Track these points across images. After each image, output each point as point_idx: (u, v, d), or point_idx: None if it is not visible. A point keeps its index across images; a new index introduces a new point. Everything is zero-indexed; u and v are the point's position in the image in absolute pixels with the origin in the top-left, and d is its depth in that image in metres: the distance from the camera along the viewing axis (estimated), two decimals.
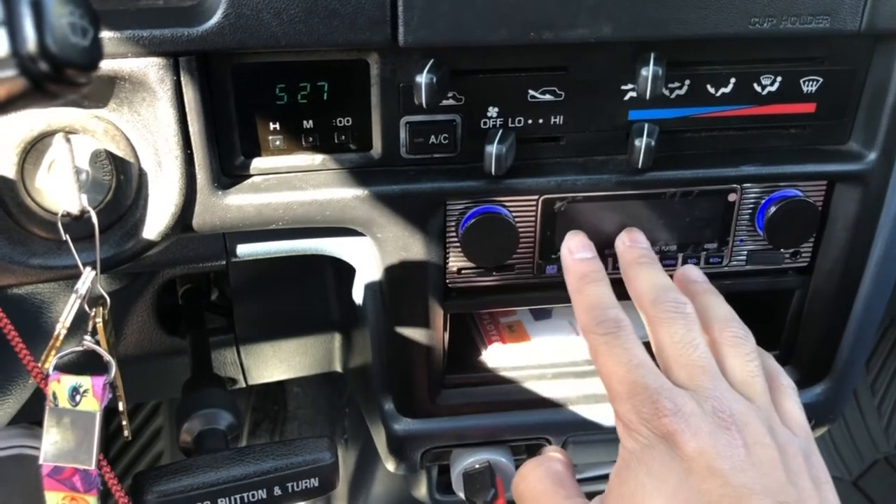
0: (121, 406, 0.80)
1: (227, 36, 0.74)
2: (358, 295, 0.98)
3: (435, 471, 1.19)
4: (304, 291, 1.23)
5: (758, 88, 0.88)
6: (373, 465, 1.47)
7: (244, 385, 1.38)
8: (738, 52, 0.86)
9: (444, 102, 0.84)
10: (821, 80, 0.88)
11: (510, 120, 0.86)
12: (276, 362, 1.33)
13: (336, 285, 1.18)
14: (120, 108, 0.78)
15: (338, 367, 1.36)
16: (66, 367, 0.78)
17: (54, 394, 0.73)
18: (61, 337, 0.75)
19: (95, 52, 0.36)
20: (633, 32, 0.79)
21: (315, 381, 2.03)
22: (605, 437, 1.05)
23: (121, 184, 0.79)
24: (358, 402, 1.29)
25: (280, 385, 2.05)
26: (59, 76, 0.34)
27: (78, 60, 0.34)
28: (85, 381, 0.74)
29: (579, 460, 1.11)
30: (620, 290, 0.96)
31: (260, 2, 0.73)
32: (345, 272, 1.00)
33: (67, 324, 0.75)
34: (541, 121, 0.87)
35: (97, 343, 0.77)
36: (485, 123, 0.86)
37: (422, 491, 1.22)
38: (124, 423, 0.82)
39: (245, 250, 0.91)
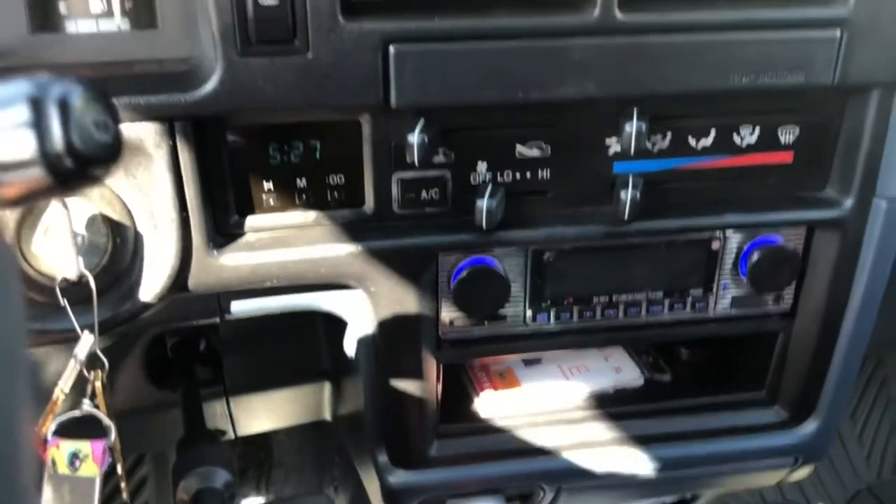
0: (119, 469, 0.80)
1: (223, 101, 0.76)
2: (350, 347, 0.99)
3: None
4: (294, 342, 1.23)
5: (737, 140, 0.91)
6: None
7: (233, 437, 1.37)
8: (718, 105, 0.89)
9: (435, 159, 0.86)
10: (798, 130, 0.91)
11: (499, 174, 0.88)
12: (265, 413, 1.33)
13: (326, 335, 1.19)
14: (116, 172, 0.79)
15: (327, 416, 1.36)
16: (62, 431, 0.78)
17: (53, 460, 0.73)
18: (60, 402, 0.75)
19: (117, 146, 0.37)
20: (617, 90, 0.82)
21: (301, 427, 2.02)
22: (598, 484, 1.05)
23: (117, 247, 0.80)
24: (348, 451, 1.29)
25: (266, 433, 2.04)
26: (83, 172, 0.35)
27: (102, 156, 0.35)
28: (84, 447, 0.74)
29: None
30: (609, 336, 0.99)
31: (255, 67, 0.75)
32: (335, 322, 1.01)
33: (67, 389, 0.75)
34: (528, 175, 0.89)
35: (96, 407, 0.77)
36: (474, 178, 0.88)
37: None
38: (123, 484, 0.81)
39: (239, 307, 0.92)
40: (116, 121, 0.38)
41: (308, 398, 1.32)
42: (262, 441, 2.06)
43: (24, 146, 0.33)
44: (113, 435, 0.76)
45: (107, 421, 0.76)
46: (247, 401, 1.30)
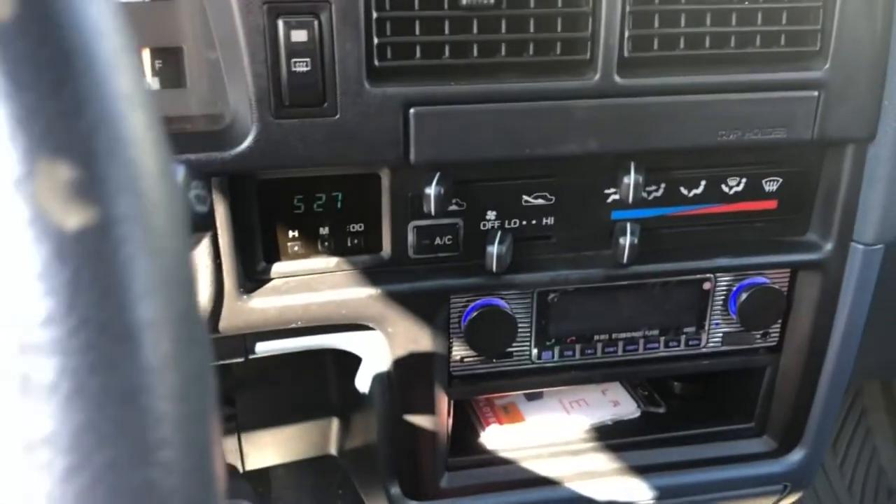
0: None
1: (257, 159, 0.82)
2: (362, 383, 1.04)
3: None
4: (305, 379, 1.29)
5: (725, 189, 0.98)
6: None
7: (241, 471, 1.42)
8: (708, 158, 0.97)
9: (448, 208, 0.92)
10: (780, 180, 0.99)
11: (507, 222, 0.95)
12: (273, 447, 1.38)
13: (336, 372, 1.24)
14: None
15: (333, 451, 1.41)
16: None
17: None
18: None
19: (211, 218, 0.43)
20: (616, 147, 0.89)
21: (300, 462, 2.06)
22: None
23: None
24: (353, 485, 1.34)
25: (265, 467, 2.07)
26: None
27: (201, 225, 0.41)
28: None
29: None
30: (609, 372, 1.05)
31: (288, 129, 0.81)
32: (346, 359, 1.07)
33: None
34: (534, 221, 0.96)
35: None
36: (484, 225, 0.95)
37: None
38: None
39: (263, 347, 0.97)
40: (211, 195, 0.44)
41: (316, 433, 1.37)
42: (261, 476, 2.10)
43: None
44: None
45: None
46: (257, 437, 1.34)
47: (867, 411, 2.51)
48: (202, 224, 0.42)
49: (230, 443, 1.32)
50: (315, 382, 1.30)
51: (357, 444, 1.23)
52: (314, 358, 1.23)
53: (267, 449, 1.38)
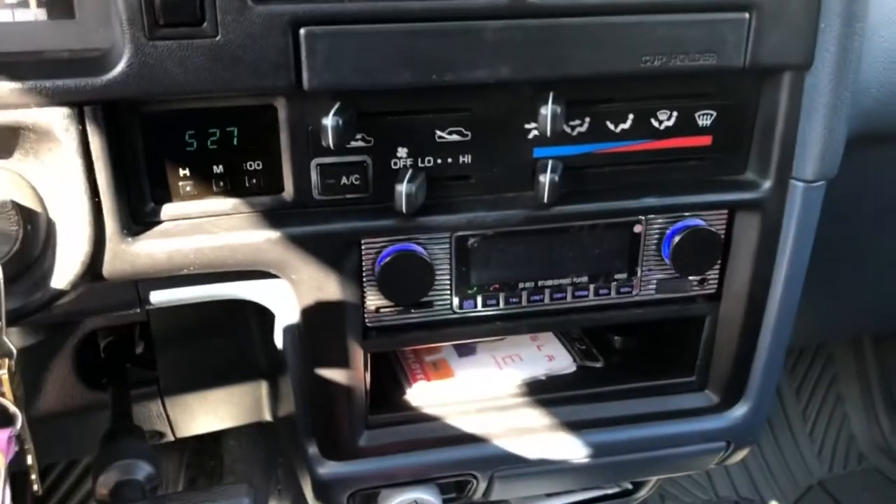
0: (29, 459, 0.78)
1: (132, 85, 0.75)
2: (278, 338, 0.98)
3: None
4: (229, 340, 1.23)
5: (655, 124, 0.92)
6: None
7: (172, 438, 1.35)
8: (635, 89, 0.90)
9: (354, 144, 0.86)
10: (714, 114, 0.93)
11: (420, 160, 0.88)
12: (203, 413, 1.32)
13: (259, 331, 1.18)
14: (25, 158, 0.78)
15: (267, 416, 1.35)
16: None
17: None
18: None
19: None
20: (530, 73, 0.82)
21: (252, 434, 2.00)
22: (531, 471, 1.06)
23: (28, 234, 0.79)
24: (288, 451, 1.28)
25: (216, 440, 2.01)
26: None
27: None
28: None
29: (508, 495, 1.12)
30: (537, 322, 0.99)
31: (163, 50, 0.75)
32: (268, 318, 1.00)
33: None
34: (450, 160, 0.89)
35: (2, 395, 0.75)
36: (395, 164, 0.88)
37: None
38: (33, 476, 0.80)
39: (158, 297, 0.91)
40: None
41: (245, 398, 1.31)
42: (212, 449, 2.04)
43: None
44: (19, 423, 0.74)
45: (12, 408, 0.74)
46: (183, 401, 1.28)
47: (838, 378, 2.47)
48: None
49: (155, 408, 1.26)
50: (241, 345, 1.24)
51: (284, 406, 1.17)
52: (237, 316, 1.17)
53: (198, 415, 1.32)
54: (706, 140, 0.94)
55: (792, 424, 2.40)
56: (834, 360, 2.47)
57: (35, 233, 0.79)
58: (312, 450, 1.01)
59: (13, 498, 0.73)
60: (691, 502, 2.26)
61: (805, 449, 2.39)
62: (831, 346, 2.44)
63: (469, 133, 0.88)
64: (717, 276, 1.02)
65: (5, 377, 0.74)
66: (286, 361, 0.97)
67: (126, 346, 1.23)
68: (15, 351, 0.76)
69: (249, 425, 1.43)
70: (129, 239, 0.82)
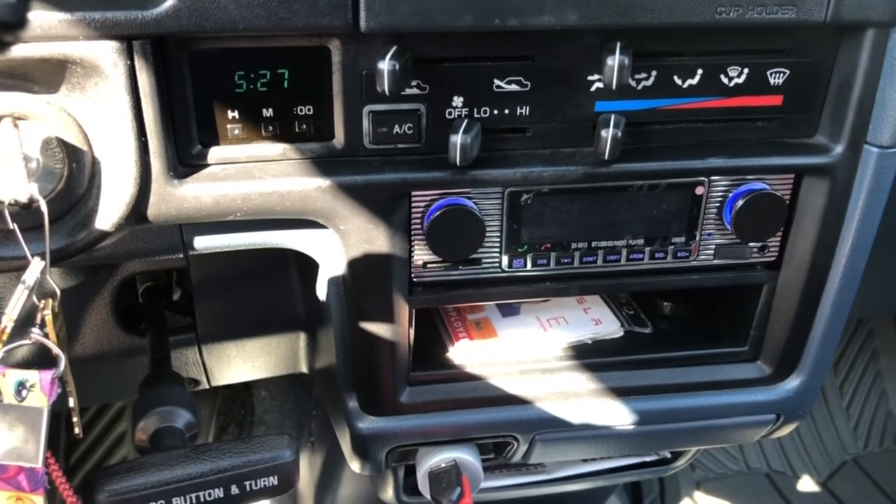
0: (71, 402, 0.77)
1: (183, 19, 0.72)
2: (321, 290, 0.96)
3: (402, 472, 1.17)
4: (269, 289, 1.20)
5: (725, 80, 0.87)
6: (339, 468, 1.45)
7: (207, 386, 1.35)
8: (705, 42, 0.85)
9: (409, 91, 0.82)
10: (787, 72, 0.88)
11: (476, 110, 0.85)
12: (239, 362, 1.30)
13: (301, 283, 1.16)
14: (72, 93, 0.75)
15: (303, 368, 1.33)
16: (17, 364, 0.75)
17: None
18: (7, 330, 0.72)
19: (22, 9, 0.34)
20: (600, 20, 0.78)
21: (283, 384, 2.00)
22: (573, 435, 1.03)
23: (73, 172, 0.77)
24: (324, 404, 1.26)
25: (247, 389, 2.02)
26: None
27: (3, 17, 0.32)
28: (32, 376, 0.71)
29: (548, 458, 1.10)
30: (587, 284, 0.96)
31: None
32: (310, 269, 0.98)
33: (14, 316, 0.72)
34: (507, 111, 0.85)
35: (45, 336, 0.74)
36: (450, 113, 0.84)
37: (388, 493, 1.20)
38: (75, 419, 0.79)
39: (203, 243, 0.88)
40: None
41: (284, 349, 1.29)
42: (244, 398, 2.05)
43: None
44: (62, 365, 0.73)
45: (56, 350, 0.73)
46: (220, 350, 1.27)
47: (878, 353, 2.42)
48: (7, 15, 0.32)
49: (192, 355, 1.25)
50: (281, 295, 1.21)
51: (324, 361, 1.16)
52: (278, 265, 1.15)
53: (234, 364, 1.31)
54: (776, 100, 0.89)
55: (828, 398, 2.36)
56: (874, 335, 2.41)
57: (80, 171, 0.77)
58: (352, 404, 0.99)
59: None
60: (722, 472, 2.24)
61: (840, 424, 2.35)
62: (873, 321, 2.38)
63: (529, 83, 0.84)
64: (778, 244, 0.97)
65: (49, 318, 0.73)
66: (329, 313, 0.95)
67: (165, 292, 1.22)
68: (59, 292, 0.75)
69: (280, 375, 1.42)
70: (176, 181, 0.80)
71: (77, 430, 0.79)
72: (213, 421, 2.00)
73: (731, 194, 0.92)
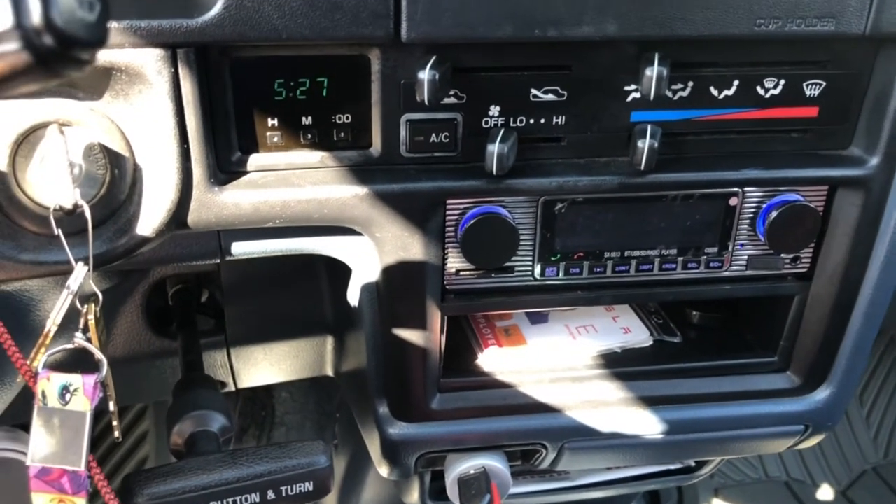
0: (111, 406, 0.78)
1: (227, 28, 0.73)
2: (353, 296, 0.96)
3: (428, 477, 1.17)
4: (297, 293, 1.21)
5: (761, 91, 0.87)
6: (363, 472, 1.45)
7: (234, 388, 1.36)
8: (742, 54, 0.85)
9: (446, 101, 0.83)
10: (824, 84, 0.88)
11: (512, 119, 0.85)
12: (266, 365, 1.31)
13: (330, 287, 1.17)
14: (115, 100, 0.76)
15: (329, 371, 1.34)
16: (56, 366, 0.76)
17: (43, 392, 0.71)
18: (51, 334, 0.73)
19: (102, 28, 0.34)
20: (639, 31, 0.78)
21: (304, 386, 2.01)
22: (602, 444, 1.03)
23: (115, 178, 0.78)
24: (349, 407, 1.27)
25: (268, 390, 2.03)
26: (65, 52, 0.32)
27: (84, 36, 0.32)
28: (75, 380, 0.72)
29: (575, 467, 1.10)
30: (620, 294, 0.96)
31: None
32: (339, 273, 0.99)
33: (58, 321, 0.73)
34: (542, 121, 0.86)
35: (88, 340, 0.74)
36: (486, 122, 0.85)
37: (413, 497, 1.20)
38: (115, 423, 0.80)
39: (240, 249, 0.89)
40: (104, 1, 0.35)
41: (310, 352, 1.30)
42: (264, 399, 2.05)
43: None
44: (105, 369, 0.74)
45: (98, 355, 0.74)
46: (248, 353, 1.27)
47: None
48: (89, 35, 0.33)
49: (219, 357, 1.26)
50: (309, 299, 1.22)
51: (351, 364, 1.16)
52: (308, 270, 1.15)
53: (261, 367, 1.32)
54: (812, 111, 0.89)
55: (847, 407, 2.35)
56: (895, 344, 2.40)
57: (122, 177, 0.78)
58: (383, 409, 1.00)
59: None
60: (740, 479, 2.23)
61: (860, 433, 2.34)
62: (893, 330, 2.37)
63: (565, 93, 0.85)
64: (810, 255, 0.97)
65: (92, 322, 0.74)
66: (361, 319, 0.96)
67: (194, 295, 1.23)
68: (101, 296, 0.75)
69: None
70: (216, 188, 0.80)
71: (116, 433, 0.80)
72: (231, 409, 2.00)
73: (764, 205, 0.92)
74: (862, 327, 1.01)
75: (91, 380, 0.72)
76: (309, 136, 0.83)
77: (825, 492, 2.25)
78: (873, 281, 0.97)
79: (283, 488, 0.80)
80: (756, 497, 2.20)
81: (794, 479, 2.26)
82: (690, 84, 0.86)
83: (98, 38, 0.34)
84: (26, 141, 0.75)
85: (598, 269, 0.94)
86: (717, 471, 2.22)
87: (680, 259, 0.94)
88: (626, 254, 0.93)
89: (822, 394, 1.06)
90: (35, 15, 0.31)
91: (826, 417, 1.07)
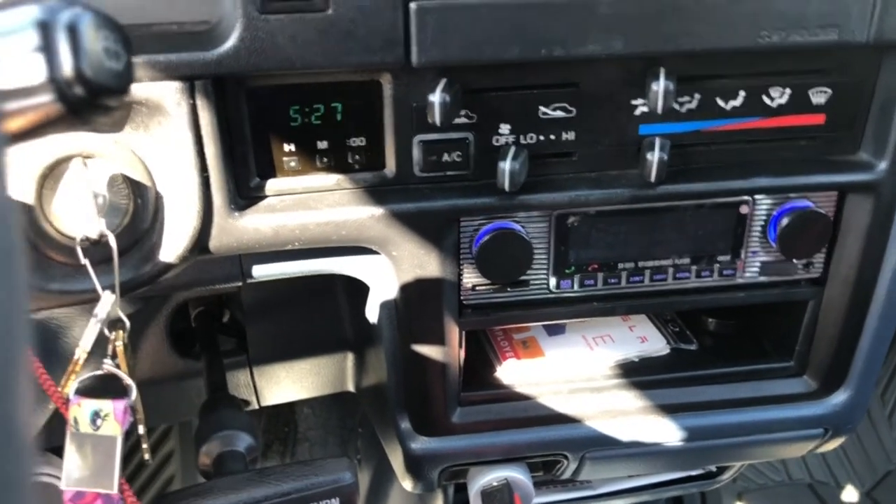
0: (141, 429, 0.80)
1: (243, 59, 0.75)
2: (372, 313, 0.98)
3: (451, 489, 1.18)
4: (317, 311, 1.23)
5: (767, 101, 0.88)
6: (386, 486, 1.47)
7: (257, 406, 1.38)
8: (748, 65, 0.87)
9: (457, 121, 0.84)
10: (829, 91, 0.89)
11: (522, 136, 0.87)
12: (288, 383, 1.33)
13: (349, 304, 1.18)
14: (136, 131, 0.79)
15: (350, 387, 1.36)
16: (86, 392, 0.78)
17: (75, 419, 0.73)
18: (81, 361, 0.75)
19: (128, 76, 0.36)
20: (644, 47, 0.80)
21: (326, 402, 2.03)
22: (623, 453, 1.04)
23: (138, 207, 0.80)
24: (371, 422, 1.29)
25: (290, 407, 2.05)
26: (94, 101, 0.34)
27: (112, 84, 0.34)
28: (106, 406, 0.74)
29: (597, 476, 1.11)
30: (635, 304, 0.97)
31: (275, 24, 0.74)
32: (357, 290, 1.00)
33: (88, 348, 0.75)
34: (552, 137, 0.87)
35: (117, 366, 0.77)
36: (497, 140, 0.86)
37: None
38: (144, 445, 0.82)
39: (261, 271, 0.91)
40: (128, 50, 0.37)
41: (331, 368, 1.32)
42: (287, 415, 2.08)
43: (33, 72, 0.33)
44: (134, 394, 0.76)
45: (127, 380, 0.76)
46: (270, 371, 1.30)
47: None
48: (116, 83, 0.35)
49: (242, 377, 1.28)
50: (329, 316, 1.24)
51: (372, 380, 1.18)
52: (326, 288, 1.17)
53: (283, 384, 1.34)
54: (819, 118, 0.90)
55: (870, 408, 2.33)
56: None
57: (145, 206, 0.80)
58: (405, 425, 1.01)
59: None
60: (763, 483, 2.23)
61: (883, 433, 2.33)
62: None
63: (574, 109, 0.86)
64: (823, 260, 0.98)
65: (120, 349, 0.76)
66: (380, 336, 0.97)
67: (216, 316, 1.25)
68: (129, 323, 0.78)
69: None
70: (236, 213, 0.83)
71: (146, 455, 0.82)
72: (257, 429, 2.03)
73: (775, 212, 0.93)
74: (878, 329, 1.02)
75: (121, 405, 0.74)
76: (325, 159, 0.85)
77: (850, 493, 2.24)
78: (887, 282, 0.98)
79: None
80: (780, 500, 2.20)
81: (818, 482, 2.25)
82: (697, 96, 0.87)
83: (125, 86, 0.36)
84: (51, 174, 0.77)
85: (613, 281, 0.95)
86: (740, 475, 2.21)
87: (693, 268, 0.96)
88: (640, 264, 0.95)
89: (840, 397, 1.06)
90: (67, 67, 0.33)
91: (845, 420, 1.08)
